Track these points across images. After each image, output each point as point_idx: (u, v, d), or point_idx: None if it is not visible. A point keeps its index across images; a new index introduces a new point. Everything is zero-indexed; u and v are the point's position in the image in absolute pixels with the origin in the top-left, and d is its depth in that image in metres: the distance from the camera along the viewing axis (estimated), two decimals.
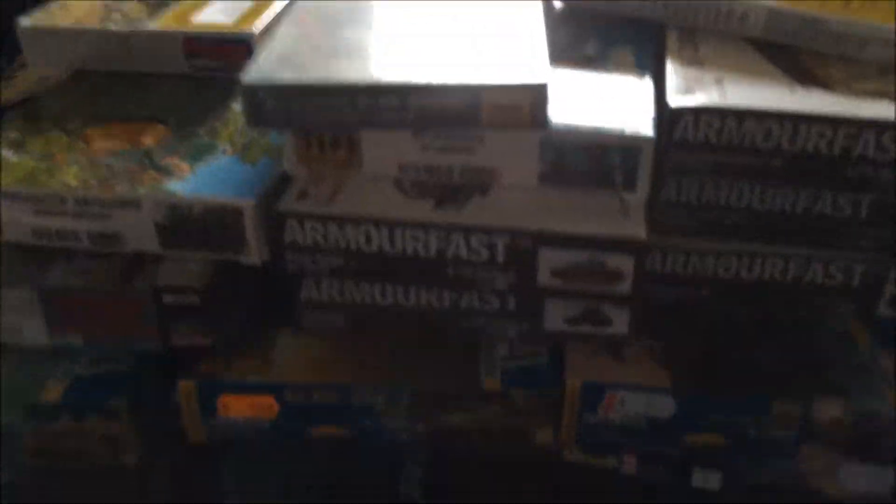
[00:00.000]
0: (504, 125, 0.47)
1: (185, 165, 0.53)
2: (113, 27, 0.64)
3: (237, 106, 0.60)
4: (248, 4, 0.67)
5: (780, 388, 0.51)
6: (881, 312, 0.55)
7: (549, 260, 0.48)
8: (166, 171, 0.52)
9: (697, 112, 0.49)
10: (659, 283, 0.55)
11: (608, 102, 0.51)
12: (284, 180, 0.52)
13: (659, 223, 0.54)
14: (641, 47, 0.59)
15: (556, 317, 0.52)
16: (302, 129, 0.49)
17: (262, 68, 0.47)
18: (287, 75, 0.47)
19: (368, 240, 0.49)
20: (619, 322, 0.52)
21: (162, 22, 0.64)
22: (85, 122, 0.59)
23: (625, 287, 0.48)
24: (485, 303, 0.51)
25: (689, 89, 0.51)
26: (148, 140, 0.56)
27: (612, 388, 0.51)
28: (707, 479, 0.55)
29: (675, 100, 0.50)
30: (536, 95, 0.46)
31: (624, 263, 0.48)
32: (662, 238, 0.54)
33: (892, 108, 0.49)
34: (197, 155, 0.54)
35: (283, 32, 0.52)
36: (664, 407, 0.51)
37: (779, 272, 0.55)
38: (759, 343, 0.55)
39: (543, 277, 0.49)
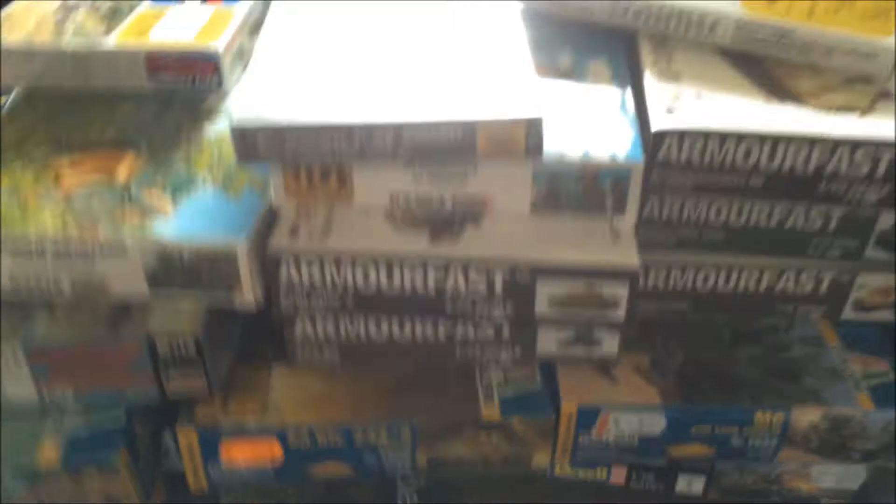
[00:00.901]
0: (500, 156, 0.47)
1: (167, 201, 0.51)
2: (70, 45, 0.60)
3: (209, 126, 0.59)
4: (205, 14, 0.65)
5: (761, 398, 0.53)
6: (846, 315, 0.58)
7: (546, 290, 0.49)
8: (149, 209, 0.50)
9: (681, 134, 0.51)
10: (642, 297, 0.57)
11: (594, 124, 0.52)
12: (273, 214, 0.51)
13: (641, 240, 0.55)
14: (615, 58, 0.60)
15: (548, 341, 0.53)
16: (294, 165, 0.48)
17: (252, 106, 0.46)
18: (278, 114, 0.45)
19: (366, 277, 0.49)
20: (609, 343, 0.53)
21: (121, 37, 0.61)
22: (50, 151, 0.56)
23: (618, 312, 0.50)
24: (480, 331, 0.52)
25: (670, 109, 0.52)
26: (122, 172, 0.54)
27: (606, 409, 0.52)
28: (691, 484, 0.58)
29: (659, 122, 0.51)
30: (532, 128, 0.46)
31: (619, 290, 0.49)
32: (644, 254, 0.56)
33: (863, 124, 0.51)
34: (178, 188, 0.52)
35: (261, 59, 0.51)
36: (655, 423, 0.53)
37: (753, 282, 0.57)
38: (737, 350, 0.57)
39: (541, 306, 0.50)
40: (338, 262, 0.49)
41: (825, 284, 0.57)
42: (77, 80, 0.62)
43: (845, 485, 0.57)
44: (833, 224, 0.54)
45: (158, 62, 0.60)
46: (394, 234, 0.50)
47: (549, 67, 0.58)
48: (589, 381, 0.54)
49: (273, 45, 0.52)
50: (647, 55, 0.58)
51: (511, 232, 0.50)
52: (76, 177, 0.54)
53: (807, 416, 0.53)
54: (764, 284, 0.57)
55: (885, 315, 0.58)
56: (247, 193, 0.52)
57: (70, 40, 0.61)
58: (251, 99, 0.46)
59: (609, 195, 0.50)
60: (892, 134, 0.50)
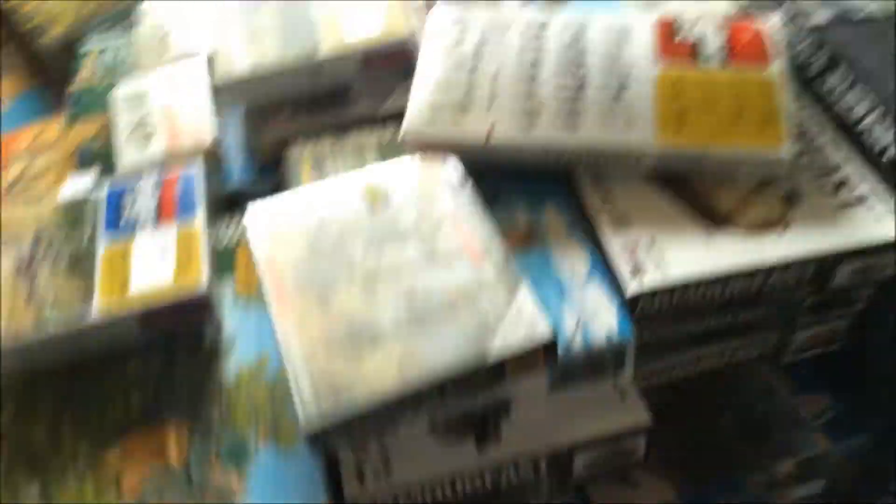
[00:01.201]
0: (524, 375, 0.55)
1: (234, 478, 0.56)
2: (58, 326, 0.61)
3: (222, 368, 0.62)
4: (170, 239, 0.66)
5: (748, 463, 0.67)
6: (787, 359, 0.72)
7: (581, 458, 0.59)
8: (222, 492, 0.55)
9: (651, 294, 0.60)
10: None
11: (578, 299, 0.60)
12: (333, 462, 0.57)
13: None
14: (562, 201, 0.67)
15: (580, 471, 0.63)
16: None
17: (321, 407, 0.50)
18: (338, 404, 0.50)
19: (433, 495, 0.57)
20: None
21: (103, 298, 0.62)
22: (91, 447, 0.58)
23: (638, 454, 0.60)
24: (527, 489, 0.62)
25: (636, 268, 0.61)
26: (173, 452, 0.58)
27: None
28: None
29: (630, 286, 0.60)
30: (549, 345, 0.54)
31: (638, 442, 0.59)
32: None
33: (787, 241, 0.62)
34: (234, 456, 0.57)
35: (287, 329, 0.54)
36: None
37: (715, 361, 0.69)
38: (717, 422, 0.69)
39: (577, 469, 0.59)
40: (408, 493, 0.56)
41: (769, 346, 0.70)
42: (71, 354, 0.63)
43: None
44: (772, 312, 0.66)
45: (151, 319, 0.63)
46: (444, 449, 0.57)
47: (511, 230, 0.65)
48: (615, 492, 0.65)
49: (285, 313, 0.55)
50: (591, 196, 0.66)
51: (541, 418, 0.58)
52: (132, 470, 0.57)
53: (783, 468, 0.67)
54: (725, 360, 0.69)
55: (815, 351, 0.72)
56: (299, 441, 0.58)
57: (54, 320, 0.61)
58: (308, 396, 0.51)
59: (609, 364, 0.59)
60: (812, 249, 0.61)
